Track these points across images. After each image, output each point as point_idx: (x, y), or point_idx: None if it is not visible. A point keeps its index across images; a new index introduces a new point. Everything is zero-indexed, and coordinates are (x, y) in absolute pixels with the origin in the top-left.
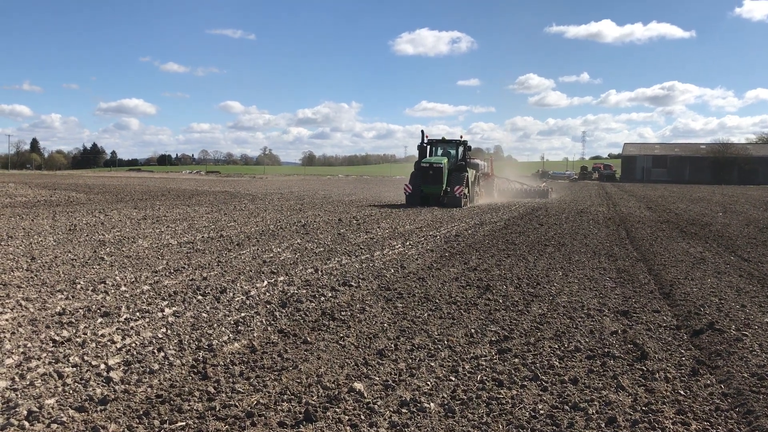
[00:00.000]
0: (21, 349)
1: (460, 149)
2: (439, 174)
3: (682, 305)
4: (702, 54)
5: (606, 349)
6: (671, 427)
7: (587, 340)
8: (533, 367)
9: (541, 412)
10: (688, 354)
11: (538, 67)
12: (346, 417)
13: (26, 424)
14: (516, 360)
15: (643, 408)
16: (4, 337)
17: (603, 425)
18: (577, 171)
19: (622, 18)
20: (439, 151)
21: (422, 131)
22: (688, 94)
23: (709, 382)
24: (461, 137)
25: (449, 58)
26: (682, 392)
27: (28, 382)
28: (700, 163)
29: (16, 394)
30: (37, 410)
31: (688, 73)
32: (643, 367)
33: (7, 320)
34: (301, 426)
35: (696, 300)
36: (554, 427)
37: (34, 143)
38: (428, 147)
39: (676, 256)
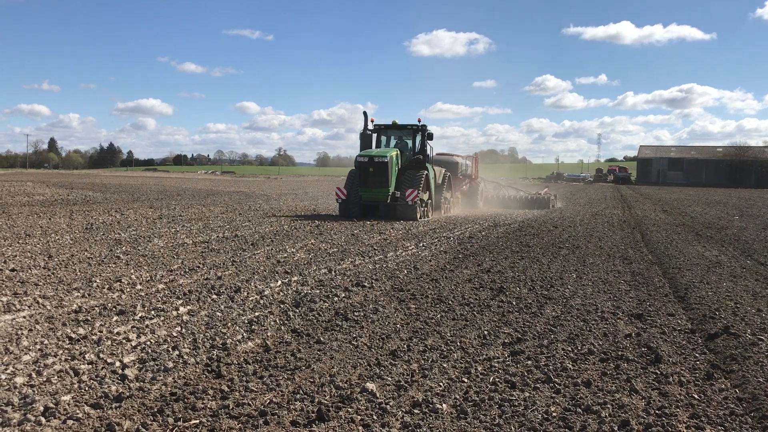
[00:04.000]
0: (38, 346)
1: (418, 138)
2: (384, 172)
3: (697, 309)
4: (722, 56)
5: (619, 352)
6: (685, 431)
7: (601, 342)
8: (546, 370)
9: (554, 414)
10: (702, 358)
11: (556, 69)
12: (359, 417)
13: (43, 419)
14: (529, 362)
15: (657, 412)
16: (22, 334)
17: (616, 428)
18: (592, 173)
19: (642, 20)
20: (393, 141)
21: (365, 113)
22: (706, 96)
23: (723, 386)
24: (419, 120)
25: (466, 59)
26: (696, 396)
27: (44, 379)
28: (717, 166)
29: (33, 391)
30: (54, 406)
31: (707, 75)
32: (657, 371)
33: (24, 317)
34: (314, 425)
35: (711, 304)
36: (567, 430)
37: (52, 143)
38: (374, 135)
39: (691, 259)
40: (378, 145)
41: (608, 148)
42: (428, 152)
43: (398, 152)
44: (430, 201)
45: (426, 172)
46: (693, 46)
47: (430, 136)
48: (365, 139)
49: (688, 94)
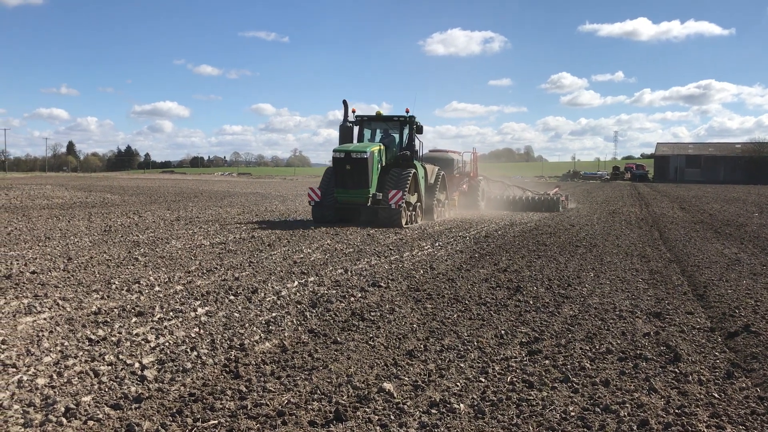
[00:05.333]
0: (58, 348)
1: (405, 131)
2: (363, 170)
3: (716, 307)
4: (740, 51)
5: (638, 351)
6: (705, 430)
7: (619, 341)
8: (564, 369)
9: (572, 413)
10: (722, 356)
11: (572, 66)
12: (376, 417)
13: (64, 420)
14: (546, 361)
15: (676, 411)
16: (43, 335)
17: (635, 428)
18: (609, 171)
19: (659, 16)
20: (378, 135)
21: (344, 102)
22: (724, 92)
23: (744, 385)
24: (407, 111)
25: (481, 58)
26: (716, 395)
27: (65, 380)
28: (735, 163)
29: (54, 392)
30: (74, 407)
31: (726, 71)
32: (676, 370)
33: (45, 319)
34: (332, 425)
35: (731, 302)
36: (585, 429)
37: (71, 146)
38: (356, 127)
39: (710, 257)
40: (360, 140)
41: (625, 146)
42: (417, 147)
43: (381, 147)
44: (419, 204)
45: (413, 170)
46: (711, 41)
47: (420, 129)
48: (345, 133)
49: (706, 91)
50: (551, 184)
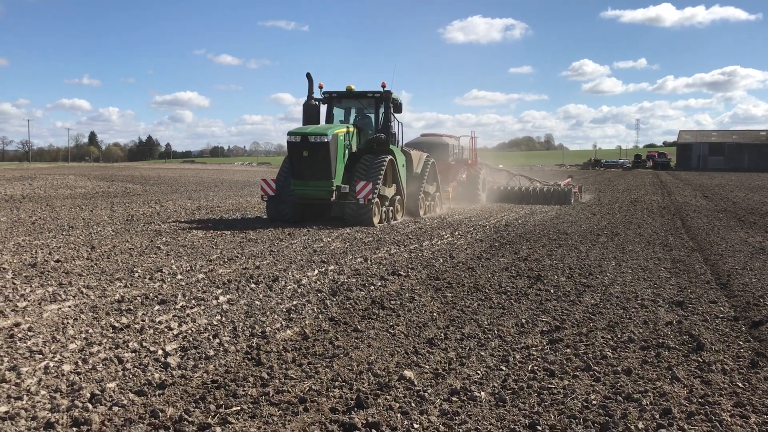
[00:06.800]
0: (83, 335)
1: (381, 110)
2: (323, 157)
3: (740, 296)
4: (767, 37)
5: (660, 340)
6: (729, 419)
7: (641, 330)
8: (585, 358)
9: (594, 402)
10: (746, 346)
11: (593, 53)
12: (397, 404)
13: (89, 406)
14: (568, 350)
15: (700, 400)
16: (68, 323)
17: (657, 416)
18: (630, 159)
19: (683, 1)
20: (353, 116)
21: (308, 75)
22: (750, 79)
23: None
24: (383, 86)
25: (502, 45)
26: (740, 384)
27: (90, 367)
28: (760, 151)
29: (80, 378)
30: (100, 393)
31: (752, 57)
32: (700, 359)
33: (69, 307)
34: (353, 412)
35: (755, 291)
36: (607, 418)
37: (92, 136)
38: (324, 105)
39: (733, 245)
40: (330, 121)
41: (647, 134)
42: (395, 129)
43: (351, 129)
44: (398, 197)
45: (389, 157)
46: (736, 27)
47: (398, 108)
48: (310, 112)
49: (731, 77)
50: (567, 173)
